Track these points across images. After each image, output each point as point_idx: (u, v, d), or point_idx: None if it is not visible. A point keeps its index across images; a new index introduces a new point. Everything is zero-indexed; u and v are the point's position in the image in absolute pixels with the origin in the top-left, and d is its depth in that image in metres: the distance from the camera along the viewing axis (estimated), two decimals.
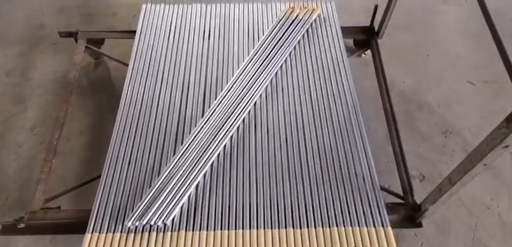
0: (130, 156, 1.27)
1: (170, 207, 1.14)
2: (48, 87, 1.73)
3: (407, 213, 1.18)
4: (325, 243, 1.07)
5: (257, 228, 1.10)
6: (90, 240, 1.09)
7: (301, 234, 1.09)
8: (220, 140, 1.29)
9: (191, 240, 1.08)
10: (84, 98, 1.69)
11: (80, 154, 1.44)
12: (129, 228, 1.11)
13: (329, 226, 1.10)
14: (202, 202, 1.16)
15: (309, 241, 1.07)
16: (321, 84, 1.44)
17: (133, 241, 1.08)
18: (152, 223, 1.10)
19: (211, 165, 1.24)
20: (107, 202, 1.17)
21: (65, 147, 1.45)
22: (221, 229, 1.10)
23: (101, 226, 1.12)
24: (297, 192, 1.17)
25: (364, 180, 1.19)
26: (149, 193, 1.16)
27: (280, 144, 1.28)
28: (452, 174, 1.00)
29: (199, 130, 1.32)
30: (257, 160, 1.25)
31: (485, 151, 0.87)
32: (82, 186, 1.23)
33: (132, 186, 1.20)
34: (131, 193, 1.18)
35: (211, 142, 1.28)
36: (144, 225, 1.11)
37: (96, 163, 1.22)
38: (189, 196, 1.17)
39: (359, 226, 1.10)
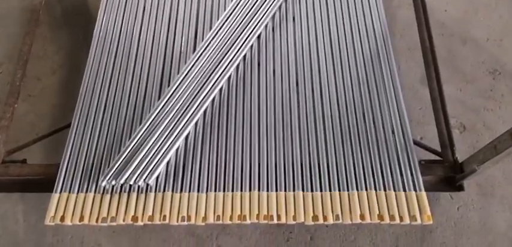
0: (106, 102, 1.11)
1: (153, 164, 0.98)
2: (17, 17, 1.55)
3: (446, 173, 1.02)
4: (342, 209, 0.92)
5: (259, 190, 0.96)
6: (58, 201, 0.96)
7: (312, 198, 0.94)
8: (215, 82, 1.11)
9: (179, 203, 0.95)
10: (56, 30, 1.51)
11: (53, 97, 1.30)
12: (104, 187, 0.97)
13: (347, 190, 0.94)
14: (192, 158, 1.00)
15: (322, 206, 0.93)
16: (342, 12, 1.23)
17: (109, 204, 0.95)
18: (132, 182, 0.96)
19: (204, 112, 1.07)
20: (78, 157, 1.02)
21: (34, 89, 1.31)
22: (215, 190, 0.96)
23: (71, 185, 0.98)
24: (309, 149, 1.01)
25: (393, 133, 1.02)
26: (128, 147, 1.01)
27: (290, 88, 1.10)
28: None
29: (190, 70, 1.14)
30: (260, 107, 1.08)
31: None
32: (52, 135, 1.09)
33: (108, 138, 1.05)
34: (107, 147, 1.03)
35: (204, 84, 1.10)
36: (122, 185, 0.97)
37: (73, 108, 1.08)
38: (176, 151, 1.02)
39: (385, 190, 0.94)
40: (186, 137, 1.04)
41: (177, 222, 0.94)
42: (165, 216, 0.94)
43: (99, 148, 1.04)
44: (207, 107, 1.08)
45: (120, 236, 1.09)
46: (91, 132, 1.07)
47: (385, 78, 1.10)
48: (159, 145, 1.02)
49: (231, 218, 0.93)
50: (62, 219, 0.95)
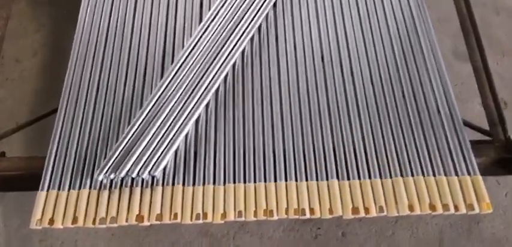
0: (99, 83, 0.97)
1: (159, 153, 0.85)
2: None
3: (498, 155, 0.91)
4: (386, 200, 0.80)
5: (286, 180, 0.84)
6: (45, 201, 0.83)
7: (350, 188, 0.81)
8: (226, 57, 0.98)
9: (192, 199, 0.81)
10: (36, 5, 1.37)
11: (34, 81, 1.16)
12: (101, 182, 0.83)
13: (390, 177, 0.82)
14: (205, 145, 0.87)
15: (363, 197, 0.81)
16: None
17: (108, 201, 0.82)
18: (134, 175, 0.83)
19: (216, 92, 0.94)
20: (67, 148, 0.88)
21: (13, 71, 1.17)
22: (235, 182, 0.83)
23: (61, 181, 0.84)
24: (343, 132, 0.88)
25: (439, 112, 0.91)
26: (128, 134, 0.87)
27: (315, 65, 0.97)
28: None
29: (196, 44, 1.00)
30: (282, 86, 0.95)
31: None
32: (35, 123, 0.95)
33: (104, 125, 0.91)
34: (102, 135, 0.90)
35: (213, 60, 0.97)
36: (122, 179, 0.83)
37: (57, 94, 0.95)
38: (185, 137, 0.89)
39: (434, 175, 0.82)
40: (196, 121, 0.91)
41: (191, 220, 0.81)
42: (176, 214, 0.81)
43: (93, 137, 0.90)
44: (218, 86, 0.95)
45: (121, 240, 0.96)
46: (82, 117, 0.92)
47: (425, 51, 0.99)
48: (165, 132, 0.88)
49: (255, 214, 0.81)
50: (51, 221, 0.80)
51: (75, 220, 0.81)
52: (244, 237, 0.98)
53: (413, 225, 1.00)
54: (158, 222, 0.81)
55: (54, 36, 1.30)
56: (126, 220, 0.81)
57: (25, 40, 1.29)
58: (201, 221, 0.81)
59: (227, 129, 0.90)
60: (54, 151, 0.88)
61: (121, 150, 0.86)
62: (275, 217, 0.81)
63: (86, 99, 0.95)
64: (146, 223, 0.80)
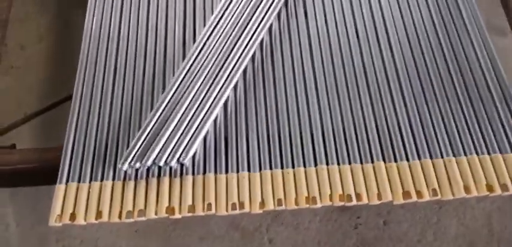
0: (116, 66, 0.90)
1: (188, 139, 0.78)
2: None
3: None
4: (439, 182, 0.74)
5: (327, 164, 0.77)
6: (65, 195, 0.76)
7: (398, 170, 0.74)
8: (253, 35, 0.90)
9: (226, 188, 0.75)
10: None
11: (40, 68, 1.09)
12: (125, 173, 0.77)
13: (442, 156, 0.76)
14: (236, 129, 0.81)
15: (413, 179, 0.74)
16: None
17: (135, 193, 0.74)
18: (161, 164, 0.76)
19: (244, 72, 0.87)
20: (86, 136, 0.81)
21: (18, 59, 1.09)
22: (271, 168, 0.76)
23: (81, 172, 0.77)
24: (385, 111, 0.81)
25: (488, 86, 0.84)
26: (152, 120, 0.80)
27: (349, 41, 0.90)
28: None
29: (220, 21, 0.93)
30: (315, 63, 0.88)
31: None
32: (46, 112, 0.88)
33: (124, 111, 0.84)
34: (123, 121, 0.83)
35: (239, 38, 0.90)
36: (149, 168, 0.77)
37: (66, 82, 0.89)
38: (214, 122, 0.82)
39: (489, 153, 0.75)
40: (225, 104, 0.84)
41: (227, 211, 0.75)
42: (209, 204, 0.74)
43: (113, 123, 0.82)
44: (246, 65, 0.88)
45: (146, 236, 0.89)
46: (100, 103, 0.85)
47: (467, 21, 0.92)
48: (192, 116, 0.81)
49: (296, 202, 0.74)
50: (73, 217, 0.73)
51: (99, 214, 0.74)
52: (278, 229, 0.92)
53: (458, 210, 0.94)
54: (190, 214, 0.75)
55: (60, 21, 1.22)
56: (156, 213, 0.74)
57: (29, 24, 1.20)
58: (237, 211, 0.75)
59: (259, 111, 0.84)
60: (71, 140, 0.81)
61: (145, 137, 0.79)
62: (318, 205, 0.74)
63: (103, 83, 0.88)
64: (177, 215, 0.74)
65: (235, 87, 0.86)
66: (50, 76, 1.08)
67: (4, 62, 0.99)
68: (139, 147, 0.78)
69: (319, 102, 0.84)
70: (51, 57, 1.11)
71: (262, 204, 0.74)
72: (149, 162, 0.76)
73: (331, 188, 0.75)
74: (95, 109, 0.84)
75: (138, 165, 0.76)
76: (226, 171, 0.77)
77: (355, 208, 0.88)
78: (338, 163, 0.77)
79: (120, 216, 0.73)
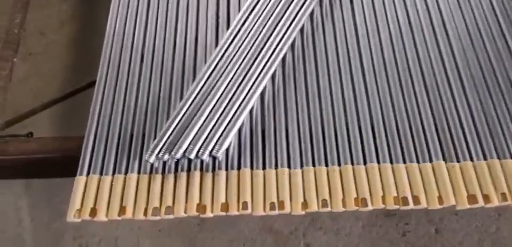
0: (143, 51, 0.84)
1: (221, 131, 0.70)
2: None
3: None
4: (508, 184, 0.65)
5: (378, 162, 0.68)
6: (85, 188, 0.68)
7: (461, 171, 0.65)
8: (292, 22, 0.82)
9: (263, 185, 0.66)
10: None
11: (61, 55, 1.03)
12: (152, 166, 0.69)
13: (511, 157, 0.69)
14: (274, 121, 0.73)
15: (479, 182, 0.64)
16: None
17: (162, 188, 0.67)
18: (192, 156, 0.68)
19: (283, 61, 0.80)
20: (109, 126, 0.74)
21: (37, 45, 1.04)
22: (314, 165, 0.68)
23: (103, 164, 0.70)
24: (444, 107, 0.72)
25: None
26: (182, 110, 0.73)
27: (401, 30, 0.81)
28: None
29: (256, 5, 0.86)
30: (362, 53, 0.80)
31: None
32: (66, 100, 0.82)
33: (151, 99, 0.77)
34: (150, 110, 0.75)
35: (278, 24, 0.82)
36: (178, 161, 0.69)
37: (87, 70, 0.83)
38: (250, 113, 0.74)
39: None
40: (262, 94, 0.76)
41: (264, 211, 0.66)
42: (245, 203, 0.66)
43: (139, 112, 0.75)
44: (285, 53, 0.81)
45: (170, 237, 0.81)
46: (126, 90, 0.78)
47: None
48: (226, 106, 0.73)
49: (343, 203, 0.66)
50: (93, 212, 0.66)
51: (122, 211, 0.66)
52: (316, 234, 0.83)
53: None
54: (223, 213, 0.68)
55: (83, 5, 1.17)
56: (185, 211, 0.67)
57: (50, 10, 1.14)
58: (276, 212, 0.67)
59: (299, 102, 0.76)
60: (94, 129, 0.74)
61: (175, 127, 0.72)
62: (369, 208, 0.66)
63: (129, 68, 0.81)
64: (209, 214, 0.66)
65: (273, 76, 0.78)
66: (70, 64, 1.03)
67: (22, 48, 0.94)
68: (168, 137, 0.71)
69: (368, 93, 0.76)
70: (73, 44, 1.06)
71: (305, 204, 0.66)
72: (179, 155, 0.69)
73: (383, 189, 0.67)
74: (119, 96, 0.78)
75: (166, 157, 0.69)
76: (264, 167, 0.69)
77: (402, 214, 0.79)
78: (391, 162, 0.69)
79: (145, 213, 0.66)
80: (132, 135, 0.73)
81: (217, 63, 0.77)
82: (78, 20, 1.12)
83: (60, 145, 0.76)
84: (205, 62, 0.79)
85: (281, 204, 0.66)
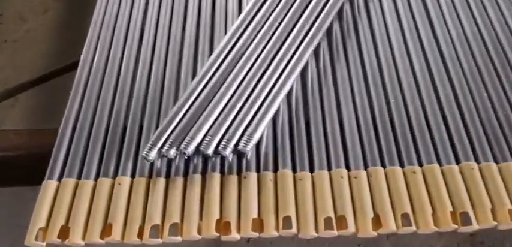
0: (144, 25, 0.65)
1: (248, 120, 0.49)
2: None
3: None
4: None
5: (476, 161, 0.48)
6: (55, 195, 0.46)
7: None
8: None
9: (312, 192, 0.45)
10: None
11: (41, 42, 0.86)
12: (152, 166, 0.48)
13: None
14: (322, 109, 0.53)
15: None
16: None
17: (166, 197, 0.46)
18: (209, 152, 0.47)
19: (329, 30, 0.60)
20: (94, 114, 0.53)
21: (15, 32, 0.87)
22: (383, 165, 0.47)
23: (83, 164, 0.49)
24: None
25: None
26: (195, 91, 0.53)
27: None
28: None
29: None
30: (423, 39, 0.61)
31: None
32: (38, 85, 0.64)
33: (154, 81, 0.57)
34: (151, 96, 0.55)
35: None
36: (189, 158, 0.48)
37: (72, 57, 0.65)
38: (288, 97, 0.53)
39: None
40: (303, 72, 0.56)
41: (317, 231, 0.44)
42: (287, 219, 0.44)
43: (136, 98, 0.55)
44: (332, 20, 0.62)
45: None
46: (119, 73, 0.58)
47: None
48: (255, 87, 0.56)
49: (436, 221, 0.44)
50: (65, 234, 0.44)
51: (107, 231, 0.44)
52: None
53: None
54: (255, 234, 0.48)
55: None
56: (199, 232, 0.45)
57: None
58: (334, 233, 0.47)
59: (357, 87, 0.56)
60: (73, 116, 0.54)
61: (185, 114, 0.53)
62: (473, 227, 0.47)
63: (123, 49, 0.63)
64: (235, 235, 0.46)
65: (316, 50, 0.60)
66: (51, 52, 0.85)
67: None
68: (176, 126, 0.50)
69: (435, 84, 0.56)
70: (56, 30, 0.88)
71: (377, 221, 0.46)
72: (190, 149, 0.48)
73: (491, 199, 0.47)
74: (110, 79, 0.57)
75: (172, 153, 0.48)
76: (311, 169, 0.50)
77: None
78: (495, 161, 0.49)
79: (141, 235, 0.45)
80: (125, 127, 0.54)
81: (242, 32, 0.58)
82: (65, 4, 0.95)
83: (27, 142, 0.56)
84: (226, 31, 0.61)
85: (341, 221, 0.46)
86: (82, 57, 0.61)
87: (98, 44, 0.63)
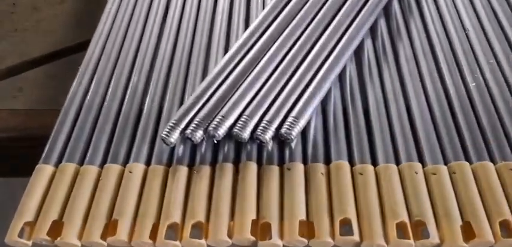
0: (169, 2, 0.58)
1: (293, 100, 0.39)
2: None
3: None
4: None
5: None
6: (49, 183, 0.37)
7: None
8: None
9: (377, 189, 0.35)
10: None
11: (52, 32, 0.79)
12: (172, 151, 0.38)
13: None
14: (383, 90, 0.43)
15: None
16: None
17: (187, 189, 0.35)
18: (244, 136, 0.37)
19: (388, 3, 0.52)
20: (106, 91, 0.44)
21: (25, 21, 0.81)
22: (468, 159, 0.36)
23: (88, 146, 0.40)
24: None
25: None
26: (229, 65, 0.43)
27: None
28: None
29: None
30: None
31: None
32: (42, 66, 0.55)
33: (178, 57, 0.48)
34: (174, 72, 0.46)
35: None
36: (218, 142, 0.38)
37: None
38: (340, 77, 0.43)
39: None
40: (359, 49, 0.47)
41: (387, 242, 0.34)
42: (346, 221, 0.34)
43: (157, 76, 0.46)
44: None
45: None
46: (137, 50, 0.49)
47: None
48: (301, 62, 0.46)
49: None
50: (57, 231, 0.34)
51: (111, 229, 0.35)
52: None
53: None
54: (302, 240, 0.37)
55: None
56: (230, 235, 0.35)
57: None
58: (411, 243, 0.36)
59: (425, 67, 0.46)
60: (80, 93, 0.45)
61: (216, 90, 0.44)
62: None
63: (144, 26, 0.53)
64: (276, 241, 0.36)
65: (373, 26, 0.51)
66: (61, 40, 0.78)
67: (8, 25, 0.71)
68: (204, 104, 0.42)
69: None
70: (73, 18, 0.82)
71: (469, 227, 0.36)
72: (221, 132, 0.38)
73: None
74: (127, 54, 0.49)
75: (198, 135, 0.38)
76: (374, 162, 0.40)
77: None
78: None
79: (154, 235, 0.36)
80: (141, 107, 0.46)
81: (287, 1, 0.50)
82: None
83: (23, 123, 0.48)
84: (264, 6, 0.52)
85: (416, 227, 0.36)
86: (96, 31, 0.53)
87: (117, 14, 0.55)
